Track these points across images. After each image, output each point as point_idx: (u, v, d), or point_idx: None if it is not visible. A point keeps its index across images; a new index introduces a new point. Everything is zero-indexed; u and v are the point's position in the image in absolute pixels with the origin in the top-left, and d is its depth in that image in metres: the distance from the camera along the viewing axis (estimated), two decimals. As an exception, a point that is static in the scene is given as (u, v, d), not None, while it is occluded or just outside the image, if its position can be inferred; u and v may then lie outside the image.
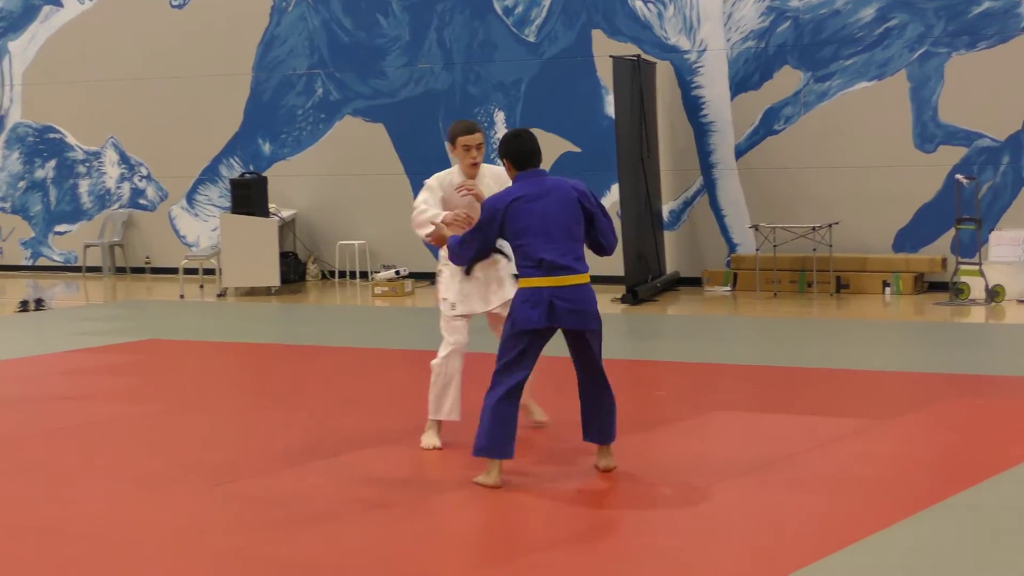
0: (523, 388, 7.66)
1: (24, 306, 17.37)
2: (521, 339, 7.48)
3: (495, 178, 8.42)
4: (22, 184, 23.01)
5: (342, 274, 20.44)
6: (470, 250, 7.68)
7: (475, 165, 8.41)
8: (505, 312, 8.14)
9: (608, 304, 16.51)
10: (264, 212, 19.35)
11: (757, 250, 17.70)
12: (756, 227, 17.68)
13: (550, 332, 7.59)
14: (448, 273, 8.51)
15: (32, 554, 6.53)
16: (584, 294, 7.53)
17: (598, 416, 7.74)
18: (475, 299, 8.50)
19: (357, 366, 12.53)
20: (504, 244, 7.96)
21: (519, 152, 7.63)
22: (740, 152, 18.18)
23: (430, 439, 8.52)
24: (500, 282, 8.53)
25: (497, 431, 7.46)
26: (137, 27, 21.75)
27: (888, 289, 17.02)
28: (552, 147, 19.01)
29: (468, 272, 8.33)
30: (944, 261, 17.02)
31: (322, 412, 10.12)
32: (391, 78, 20.13)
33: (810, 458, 8.20)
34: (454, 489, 7.54)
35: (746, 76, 18.09)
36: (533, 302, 7.42)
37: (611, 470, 7.76)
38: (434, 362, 8.47)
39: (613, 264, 17.49)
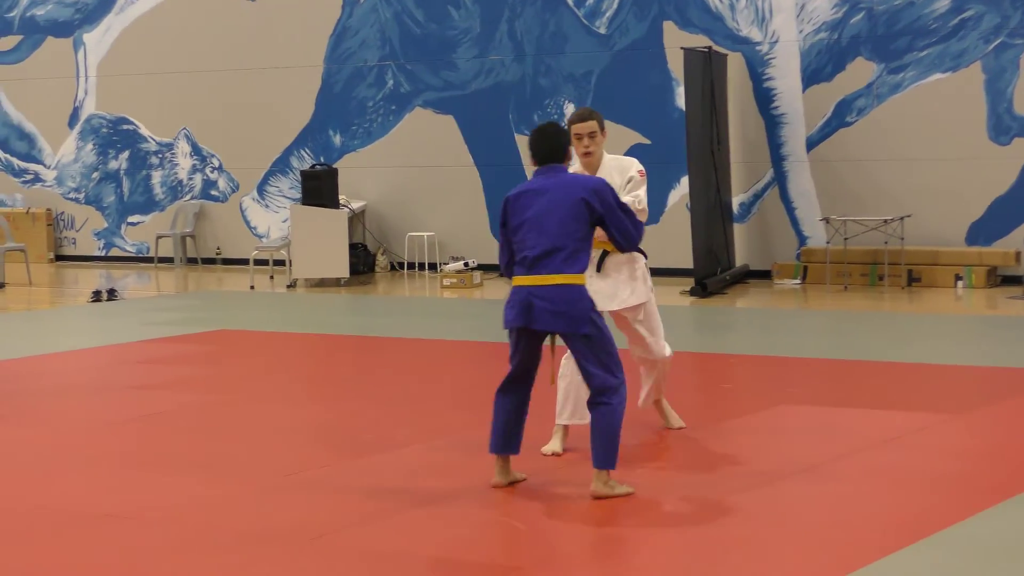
0: (519, 385, 7.32)
1: (97, 296, 17.54)
2: (510, 336, 7.23)
3: (619, 170, 8.07)
4: (96, 175, 23.22)
5: (411, 265, 20.50)
6: (503, 253, 7.37)
7: (587, 154, 7.94)
8: (631, 314, 8.17)
9: (676, 297, 16.48)
10: (334, 204, 19.43)
11: (828, 243, 17.58)
12: (827, 220, 17.56)
13: (539, 333, 7.18)
14: (589, 271, 7.79)
15: (109, 541, 6.61)
16: (568, 295, 7.05)
17: (592, 434, 7.14)
18: (601, 297, 7.83)
19: (425, 357, 12.57)
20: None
21: (535, 149, 7.34)
22: (811, 144, 18.05)
23: (551, 445, 8.10)
24: (632, 281, 8.17)
25: (493, 426, 7.34)
26: (210, 19, 21.90)
27: (960, 283, 16.85)
28: (622, 139, 18.95)
29: (598, 268, 8.01)
30: (1018, 255, 16.84)
31: (390, 403, 10.15)
32: (462, 70, 20.14)
33: (880, 452, 8.14)
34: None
35: (818, 68, 17.96)
36: (512, 301, 7.12)
37: (600, 497, 7.06)
38: (564, 358, 8.03)
39: (682, 257, 17.54)
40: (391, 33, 20.64)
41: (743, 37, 18.37)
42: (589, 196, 7.12)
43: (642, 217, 7.73)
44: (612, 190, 7.28)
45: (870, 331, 13.66)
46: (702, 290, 16.67)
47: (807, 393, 10.32)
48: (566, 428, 8.13)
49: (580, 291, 7.10)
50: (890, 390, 10.30)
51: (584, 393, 7.42)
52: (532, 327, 7.08)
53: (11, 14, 23.61)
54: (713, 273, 17.20)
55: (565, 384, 8.01)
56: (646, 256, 8.19)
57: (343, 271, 19.05)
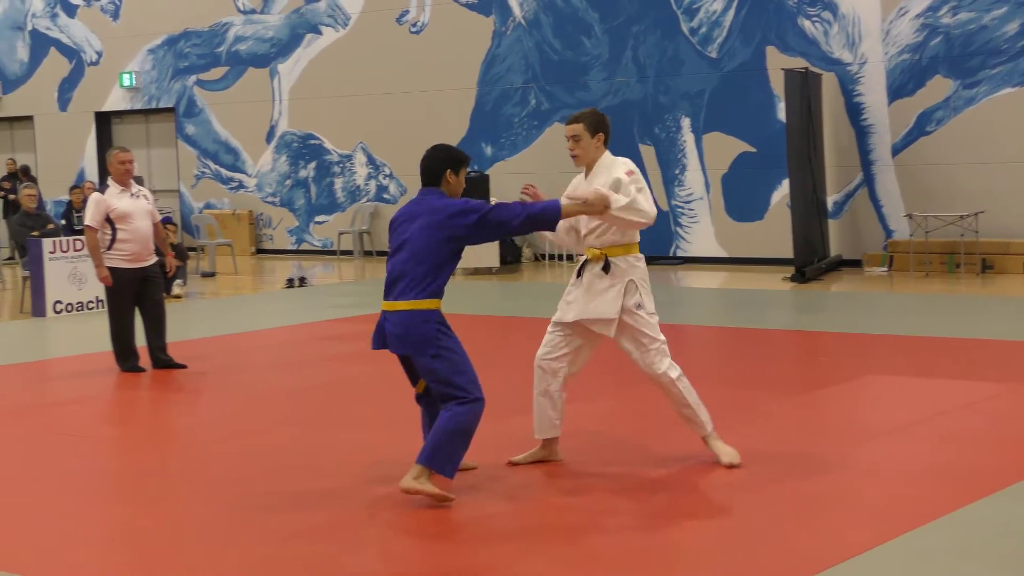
0: (424, 398, 6.49)
1: (290, 283, 17.84)
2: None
3: (608, 170, 6.68)
4: (288, 182, 23.61)
5: (551, 256, 20.54)
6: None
7: (573, 156, 6.76)
8: (598, 327, 6.66)
9: (778, 282, 16.33)
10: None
11: (911, 235, 17.29)
12: (910, 215, 17.27)
13: (406, 356, 6.32)
14: (571, 278, 6.81)
15: (302, 489, 6.72)
16: (410, 319, 6.14)
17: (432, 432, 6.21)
18: (564, 307, 6.76)
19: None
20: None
21: (421, 169, 6.47)
22: (896, 151, 17.76)
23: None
24: (601, 295, 6.62)
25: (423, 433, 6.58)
26: (381, 50, 22.13)
27: (1028, 270, 16.48)
28: (730, 148, 18.83)
29: (578, 274, 6.74)
30: (1080, 245, 16.42)
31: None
32: (593, 90, 20.12)
33: (957, 417, 8.01)
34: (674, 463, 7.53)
35: (902, 84, 17.65)
36: (377, 325, 6.37)
37: (408, 492, 6.15)
38: (536, 369, 6.84)
39: (783, 248, 17.38)
40: (533, 60, 20.68)
41: (836, 59, 18.11)
42: (452, 218, 6.19)
43: (639, 217, 6.45)
44: (472, 209, 6.19)
45: (948, 312, 13.41)
46: (801, 277, 16.51)
47: (893, 365, 10.17)
48: (544, 441, 6.97)
49: (424, 315, 6.15)
50: (966, 363, 10.12)
51: (550, 409, 6.78)
52: (388, 349, 6.29)
53: (219, 49, 24.09)
54: (811, 262, 17.02)
55: (535, 397, 6.86)
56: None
57: (494, 261, 19.16)
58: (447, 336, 6.21)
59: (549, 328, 6.83)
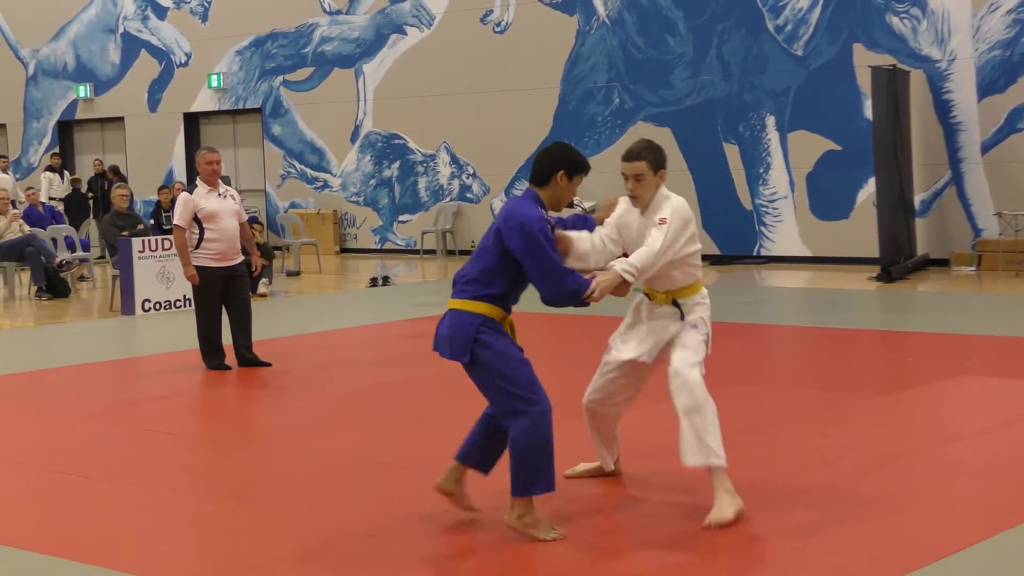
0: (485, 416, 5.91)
1: (374, 282, 17.93)
2: None
3: (655, 211, 5.97)
4: (373, 182, 23.73)
5: (634, 255, 20.42)
6: None
7: (633, 198, 6.05)
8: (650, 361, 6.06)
9: (864, 282, 16.12)
10: (569, 204, 19.45)
11: (1000, 234, 16.97)
12: (1000, 214, 16.96)
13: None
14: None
15: (381, 486, 6.74)
16: (455, 319, 5.62)
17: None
18: (631, 346, 6.15)
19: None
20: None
21: (533, 165, 5.84)
22: (986, 148, 17.44)
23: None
24: (662, 330, 6.03)
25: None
26: (465, 50, 22.17)
27: (1123, 269, 16.11)
28: (816, 147, 18.61)
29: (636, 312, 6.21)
30: None
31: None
32: (677, 88, 19.99)
33: (1048, 419, 7.83)
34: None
35: (992, 81, 17.34)
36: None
37: (515, 528, 5.63)
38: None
39: (869, 246, 17.16)
40: (616, 58, 20.60)
41: (924, 55, 17.83)
42: (504, 229, 5.56)
43: (646, 260, 5.72)
44: (537, 234, 5.50)
45: (1039, 312, 13.15)
46: (887, 276, 16.28)
47: (982, 366, 9.99)
48: (601, 468, 6.57)
49: (468, 317, 5.58)
50: (1057, 364, 9.91)
51: (603, 433, 6.34)
52: (435, 350, 5.75)
53: (305, 50, 24.28)
54: (897, 261, 16.78)
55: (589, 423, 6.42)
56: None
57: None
58: (494, 340, 5.59)
59: (603, 371, 6.25)
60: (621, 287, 5.71)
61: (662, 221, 5.83)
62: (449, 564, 5.49)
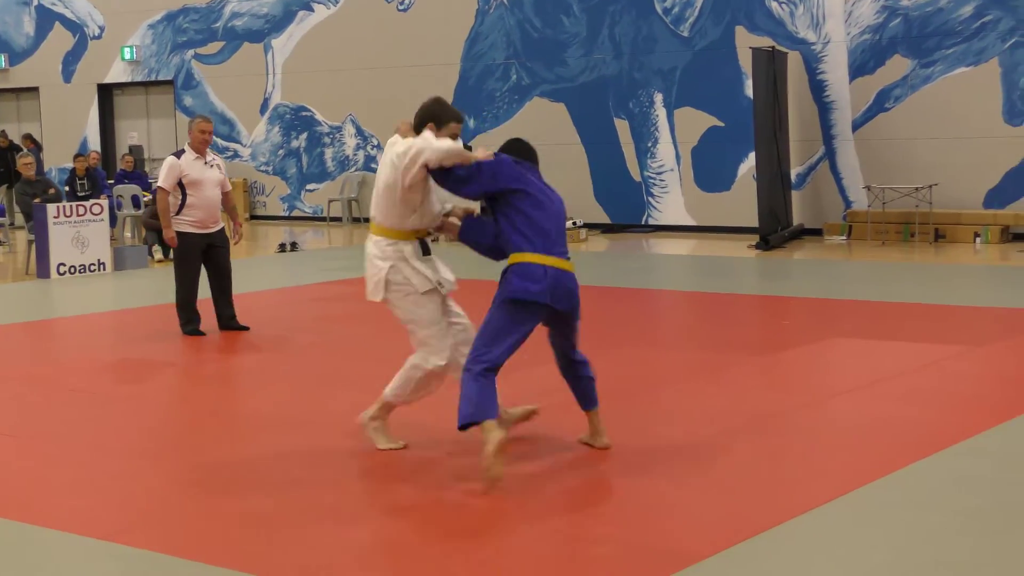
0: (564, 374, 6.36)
1: (282, 248, 17.75)
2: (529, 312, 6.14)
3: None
4: (281, 152, 23.46)
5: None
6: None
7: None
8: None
9: (744, 250, 16.32)
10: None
11: (869, 206, 17.28)
12: (868, 187, 17.26)
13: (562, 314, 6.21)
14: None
15: (289, 443, 6.67)
16: (573, 279, 6.16)
17: None
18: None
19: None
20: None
21: (527, 154, 6.92)
22: (856, 126, 17.73)
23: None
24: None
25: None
26: (370, 27, 21.96)
27: (978, 239, 16.48)
28: (700, 123, 18.77)
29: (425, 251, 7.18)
30: (1027, 216, 16.44)
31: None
32: (571, 66, 20.01)
33: (914, 377, 8.01)
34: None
35: (862, 63, 17.61)
36: (553, 280, 6.06)
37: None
38: None
39: (749, 217, 17.38)
40: (514, 37, 20.54)
41: (801, 38, 18.04)
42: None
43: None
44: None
45: (904, 279, 13.42)
46: (765, 244, 16.49)
47: (852, 328, 10.17)
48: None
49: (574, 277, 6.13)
50: (921, 326, 10.12)
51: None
52: (555, 305, 5.93)
53: (216, 25, 23.86)
54: (774, 230, 17.00)
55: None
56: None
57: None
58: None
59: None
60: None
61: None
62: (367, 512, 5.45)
